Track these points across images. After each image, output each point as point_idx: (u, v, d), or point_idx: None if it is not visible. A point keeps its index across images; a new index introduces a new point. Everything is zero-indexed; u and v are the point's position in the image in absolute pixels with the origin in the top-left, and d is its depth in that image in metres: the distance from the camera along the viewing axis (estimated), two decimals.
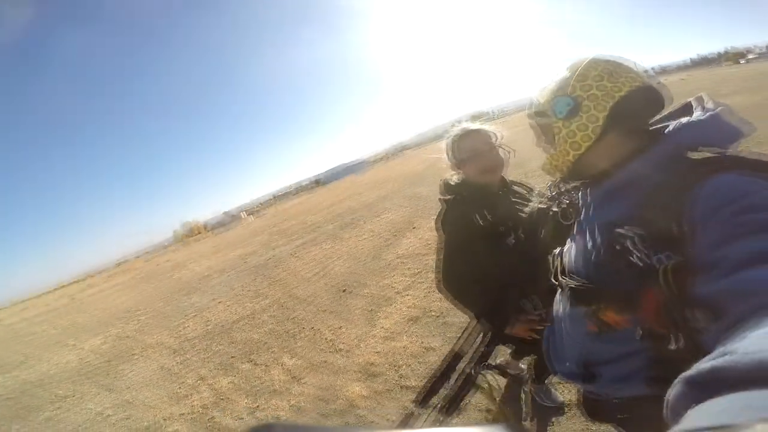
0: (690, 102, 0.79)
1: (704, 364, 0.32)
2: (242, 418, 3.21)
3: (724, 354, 0.32)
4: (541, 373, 1.50)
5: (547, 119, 0.82)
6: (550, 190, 1.04)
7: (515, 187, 1.54)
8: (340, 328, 4.20)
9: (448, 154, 1.49)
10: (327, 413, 2.88)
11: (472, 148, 1.41)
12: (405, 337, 3.48)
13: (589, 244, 0.78)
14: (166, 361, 5.16)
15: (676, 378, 0.37)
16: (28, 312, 24.72)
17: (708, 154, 0.64)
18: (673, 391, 0.34)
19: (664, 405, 0.35)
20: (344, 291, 5.31)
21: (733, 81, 20.20)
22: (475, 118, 1.62)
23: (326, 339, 4.06)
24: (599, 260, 0.74)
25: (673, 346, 0.60)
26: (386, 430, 0.74)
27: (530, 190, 1.56)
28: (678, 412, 0.32)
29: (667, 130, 0.73)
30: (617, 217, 0.71)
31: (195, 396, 3.86)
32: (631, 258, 0.65)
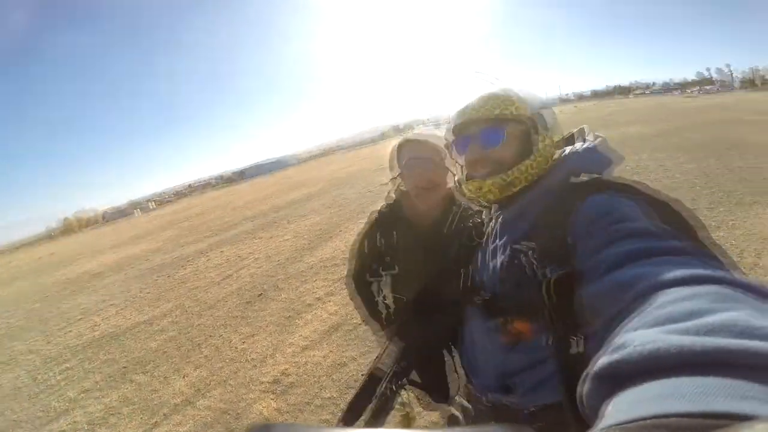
0: (581, 129, 0.92)
1: (602, 360, 0.35)
2: None
3: (618, 349, 0.34)
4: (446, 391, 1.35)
5: (523, 126, 0.84)
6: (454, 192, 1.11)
7: (464, 212, 1.27)
8: (253, 336, 3.98)
9: (391, 161, 1.36)
10: (235, 429, 2.69)
11: (410, 158, 1.26)
12: (326, 345, 3.39)
13: (497, 261, 0.84)
14: (40, 370, 4.46)
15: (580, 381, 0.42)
16: None
17: (585, 179, 0.77)
18: (583, 388, 0.36)
19: (579, 402, 0.38)
20: (260, 296, 5.05)
21: (634, 110, 23.45)
22: (418, 124, 1.47)
23: (236, 348, 3.82)
24: (504, 275, 0.81)
25: (574, 350, 0.65)
26: (387, 430, 0.72)
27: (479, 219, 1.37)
28: (593, 406, 0.34)
29: (556, 159, 0.85)
30: (519, 236, 0.79)
31: (77, 412, 3.38)
32: (529, 269, 0.73)
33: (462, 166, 0.95)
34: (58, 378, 4.12)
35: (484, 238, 0.97)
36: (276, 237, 8.30)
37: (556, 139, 0.86)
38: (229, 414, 2.86)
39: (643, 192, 0.69)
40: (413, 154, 1.26)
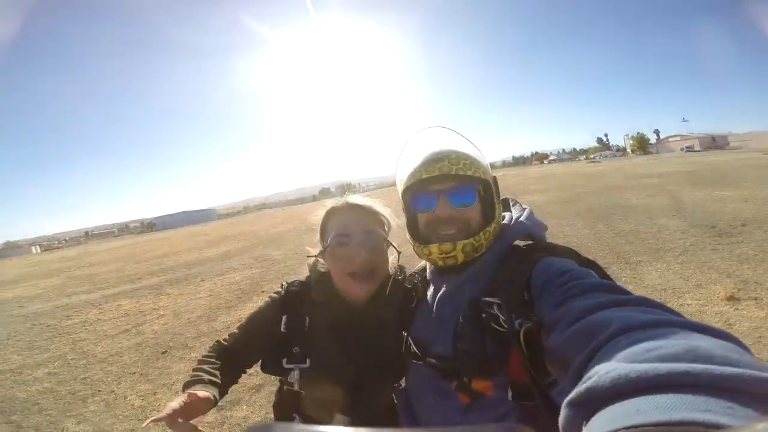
0: (506, 198, 1.00)
1: (580, 387, 0.38)
2: None
3: (587, 379, 0.38)
4: None
5: (488, 191, 0.88)
6: (399, 275, 1.03)
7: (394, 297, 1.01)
8: (155, 393, 3.54)
9: (321, 232, 1.04)
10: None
11: (340, 235, 0.96)
12: (245, 406, 3.13)
13: (449, 322, 0.82)
14: None
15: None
16: None
17: (530, 243, 0.87)
18: (562, 416, 0.39)
19: (561, 429, 0.39)
20: (164, 353, 4.54)
21: (536, 179, 25.89)
22: (350, 187, 1.07)
23: (132, 405, 3.36)
24: (464, 332, 0.78)
25: (535, 402, 0.68)
26: (388, 430, 0.71)
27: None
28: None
29: (506, 225, 0.91)
30: (478, 294, 0.79)
31: None
32: (495, 324, 0.72)
33: (411, 225, 0.93)
34: None
35: (418, 302, 0.96)
36: (187, 294, 7.63)
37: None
38: None
39: (578, 254, 0.81)
40: (344, 228, 0.96)
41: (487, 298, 0.76)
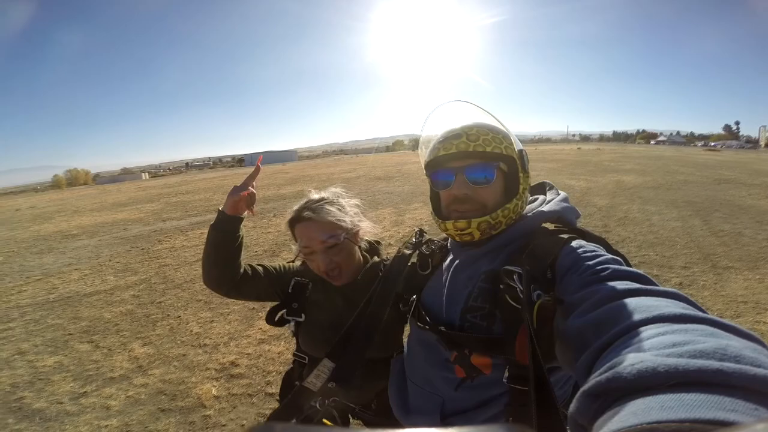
0: (544, 183, 0.98)
1: (598, 377, 0.36)
2: (61, 403, 2.68)
3: (611, 368, 0.36)
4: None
5: (511, 167, 0.84)
6: (415, 237, 1.07)
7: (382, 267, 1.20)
8: (212, 321, 3.80)
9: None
10: (167, 409, 2.56)
11: (304, 248, 1.10)
12: (283, 342, 3.23)
13: (462, 292, 0.82)
14: None
15: (548, 423, 0.50)
16: None
17: (560, 226, 0.84)
18: (575, 406, 0.37)
19: (569, 420, 0.38)
20: None
21: (635, 159, 23.57)
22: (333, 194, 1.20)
23: (191, 331, 3.64)
24: (475, 304, 0.79)
25: (532, 387, 0.66)
26: (387, 430, 0.62)
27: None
28: (581, 425, 0.36)
29: (536, 207, 0.88)
30: (498, 267, 0.78)
31: (4, 372, 3.16)
32: (510, 297, 0.71)
33: (436, 199, 0.93)
34: None
35: (434, 269, 0.96)
36: (259, 227, 8.04)
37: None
38: (165, 394, 2.71)
39: (609, 245, 0.75)
40: (304, 240, 1.09)
41: (508, 267, 0.75)
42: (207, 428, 2.36)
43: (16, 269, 6.79)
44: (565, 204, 0.87)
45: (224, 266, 1.13)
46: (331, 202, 1.12)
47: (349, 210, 1.15)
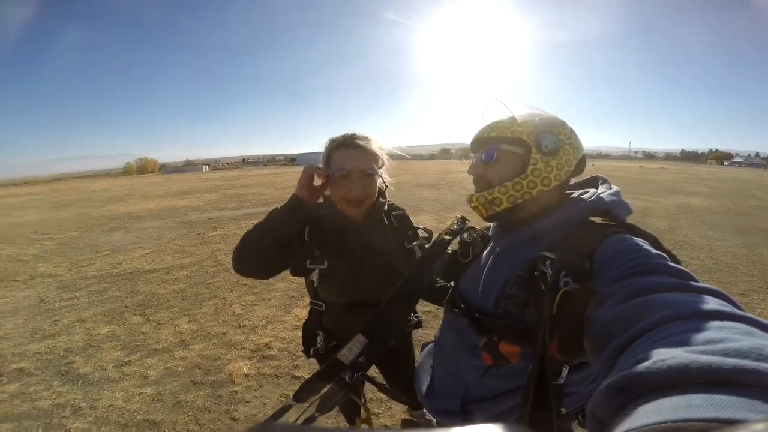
0: (596, 177, 0.96)
1: (623, 372, 0.35)
2: (105, 370, 2.83)
3: (638, 363, 0.35)
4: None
5: (519, 149, 0.84)
6: (456, 224, 1.10)
7: (394, 222, 1.32)
8: (253, 305, 3.88)
9: (322, 160, 1.23)
10: (198, 382, 2.63)
11: (340, 169, 1.14)
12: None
13: (500, 279, 0.83)
14: (50, 294, 4.57)
15: (540, 419, 0.57)
16: None
17: (607, 220, 0.80)
18: (595, 399, 0.36)
19: (587, 414, 0.37)
20: None
21: (705, 180, 21.57)
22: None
23: (233, 312, 3.73)
24: (510, 292, 0.80)
25: (561, 380, 0.70)
26: (387, 430, 0.63)
27: (413, 228, 1.35)
28: (600, 420, 0.35)
29: (580, 197, 0.86)
30: (533, 255, 0.78)
31: (62, 337, 3.39)
32: (543, 284, 0.71)
33: None
34: (62, 305, 4.19)
35: (474, 257, 0.99)
36: None
37: (564, 168, 0.82)
38: (200, 369, 2.79)
39: (659, 242, 0.71)
40: (346, 163, 1.14)
41: (544, 253, 0.75)
42: (232, 403, 2.39)
43: (89, 243, 7.41)
44: (615, 197, 0.84)
45: (274, 249, 1.13)
46: (375, 142, 1.20)
47: (382, 155, 1.23)
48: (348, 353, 0.96)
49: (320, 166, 1.18)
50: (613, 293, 0.56)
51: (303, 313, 3.57)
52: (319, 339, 1.34)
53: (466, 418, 0.85)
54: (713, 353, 0.32)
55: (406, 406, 1.89)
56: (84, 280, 5.04)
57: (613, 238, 0.69)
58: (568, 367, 0.70)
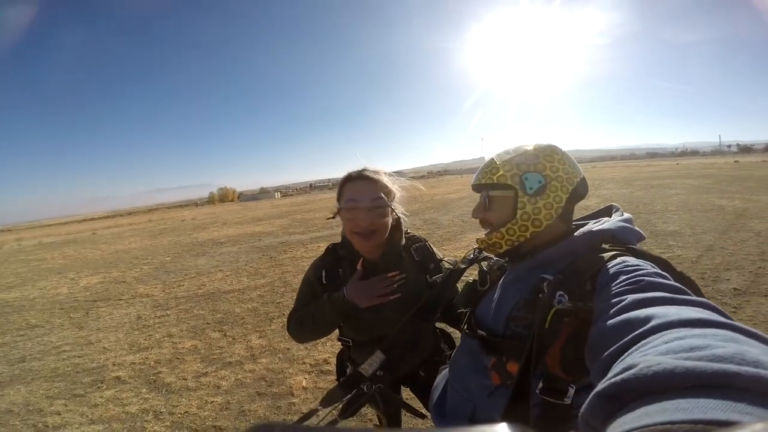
0: (611, 206, 0.98)
1: (613, 379, 0.36)
2: (186, 380, 3.17)
3: (627, 369, 0.36)
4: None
5: (508, 192, 0.87)
6: (473, 253, 1.13)
7: (414, 255, 1.33)
8: None
9: (337, 195, 1.27)
10: (262, 393, 2.85)
11: (350, 200, 1.18)
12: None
13: (509, 302, 0.86)
14: (146, 312, 5.21)
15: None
16: (47, 237, 26.07)
17: (615, 246, 0.80)
18: (587, 407, 0.37)
19: (580, 423, 0.39)
20: None
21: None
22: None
23: None
24: (518, 314, 0.82)
25: (567, 400, 0.68)
26: (388, 430, 0.74)
27: (435, 260, 1.35)
28: (594, 426, 0.36)
29: (588, 227, 0.87)
30: (539, 279, 0.81)
31: (154, 350, 3.84)
32: (541, 303, 0.73)
33: None
34: (155, 321, 4.76)
35: (491, 284, 1.02)
36: None
37: (554, 206, 0.85)
38: (265, 381, 3.01)
39: (672, 267, 0.70)
40: (353, 195, 1.18)
41: (544, 275, 0.79)
42: (289, 414, 2.57)
43: (179, 267, 8.31)
44: (623, 224, 0.86)
45: (329, 329, 1.25)
46: (386, 174, 1.25)
47: (393, 188, 1.25)
48: (368, 367, 1.06)
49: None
50: (609, 308, 0.58)
51: None
52: (348, 370, 1.39)
53: None
54: (698, 359, 0.34)
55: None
56: (174, 299, 5.67)
57: (617, 260, 0.71)
58: (574, 387, 0.68)
